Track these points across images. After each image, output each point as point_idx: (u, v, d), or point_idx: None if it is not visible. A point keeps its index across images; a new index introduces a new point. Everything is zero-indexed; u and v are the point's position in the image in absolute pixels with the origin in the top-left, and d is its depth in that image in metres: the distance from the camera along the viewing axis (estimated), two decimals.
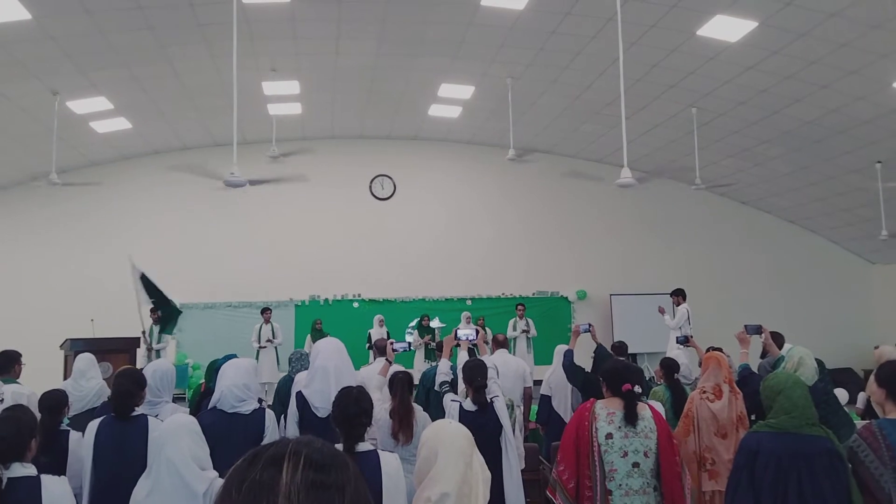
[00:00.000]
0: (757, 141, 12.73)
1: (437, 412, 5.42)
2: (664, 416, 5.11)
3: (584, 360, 6.08)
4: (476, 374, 4.36)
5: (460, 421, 4.07)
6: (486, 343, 6.88)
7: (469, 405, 4.32)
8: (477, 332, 5.72)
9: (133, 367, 6.51)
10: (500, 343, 7.37)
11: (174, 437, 2.97)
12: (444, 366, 5.06)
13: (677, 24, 9.15)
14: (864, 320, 15.56)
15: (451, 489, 2.09)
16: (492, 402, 4.37)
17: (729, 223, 16.00)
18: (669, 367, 5.98)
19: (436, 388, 5.06)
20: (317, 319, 12.84)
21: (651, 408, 3.60)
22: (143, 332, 10.03)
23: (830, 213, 15.01)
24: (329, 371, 4.19)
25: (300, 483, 0.93)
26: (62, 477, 3.08)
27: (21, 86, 10.17)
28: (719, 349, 5.67)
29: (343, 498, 0.95)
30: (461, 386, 4.67)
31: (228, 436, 3.70)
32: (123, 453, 3.64)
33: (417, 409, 4.69)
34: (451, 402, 4.43)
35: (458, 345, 5.41)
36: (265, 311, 12.56)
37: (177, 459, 2.90)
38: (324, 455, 0.98)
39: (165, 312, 10.00)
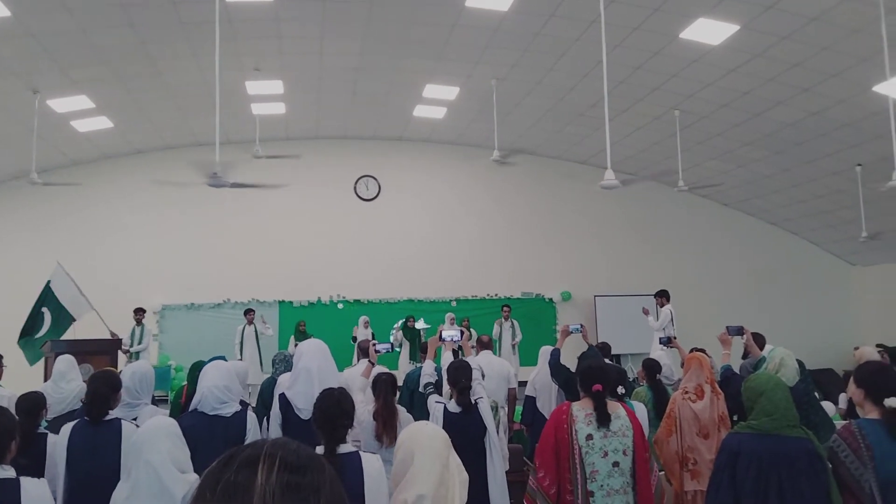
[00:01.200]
0: (739, 143, 12.84)
1: (421, 413, 5.40)
2: (646, 417, 5.16)
3: (570, 360, 6.09)
4: (460, 376, 4.35)
5: (444, 422, 4.05)
6: (471, 344, 6.88)
7: (453, 406, 4.32)
8: (462, 332, 5.70)
9: (109, 369, 6.44)
10: (485, 344, 7.37)
11: (154, 439, 2.94)
12: (428, 367, 5.03)
13: (660, 27, 9.20)
14: (844, 321, 15.73)
15: (428, 491, 2.08)
16: (476, 403, 4.36)
17: (711, 225, 16.12)
18: (651, 367, 6.02)
19: (420, 389, 5.04)
20: (300, 321, 12.78)
21: (624, 406, 3.62)
22: (113, 334, 9.97)
23: (811, 215, 15.16)
24: (312, 372, 4.18)
25: (275, 484, 0.92)
26: (41, 479, 3.05)
27: (0, 84, 10.05)
28: (702, 350, 5.71)
29: (318, 500, 0.94)
30: (445, 387, 4.66)
31: (209, 438, 3.67)
32: (96, 457, 3.62)
33: (401, 410, 4.68)
34: (435, 404, 4.42)
35: (442, 345, 5.40)
36: (248, 312, 12.49)
37: (156, 462, 2.87)
38: (299, 457, 0.98)
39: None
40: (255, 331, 12.29)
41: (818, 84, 10.06)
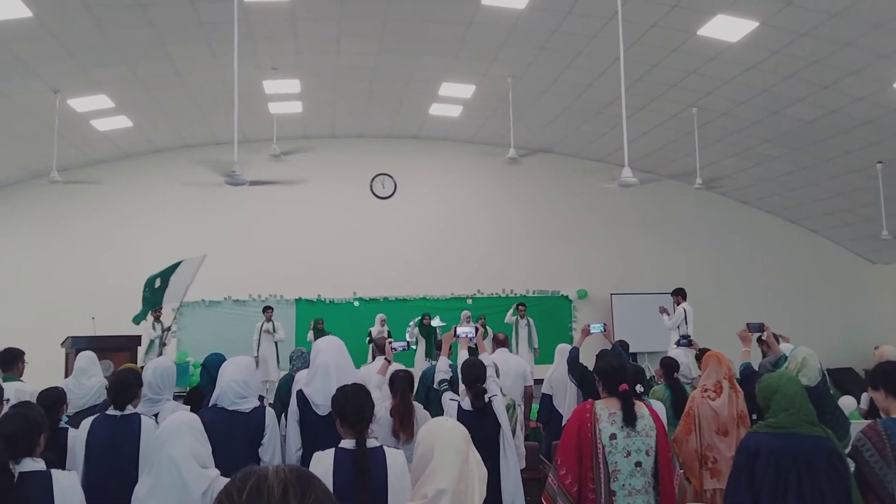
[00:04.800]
0: (758, 141, 12.73)
1: (437, 411, 5.39)
2: (665, 415, 5.14)
3: (588, 360, 6.07)
4: (474, 374, 4.36)
5: (459, 420, 4.05)
6: (485, 336, 6.87)
7: (467, 404, 4.32)
8: (476, 329, 5.68)
9: (131, 365, 6.54)
10: (501, 342, 7.37)
11: (176, 434, 2.97)
12: (442, 364, 5.03)
13: (678, 24, 9.14)
14: (864, 320, 15.54)
15: (448, 486, 2.09)
16: (490, 401, 4.35)
17: (730, 223, 15.98)
18: (669, 366, 6.00)
19: (434, 385, 5.02)
20: (318, 319, 12.82)
21: (648, 406, 3.59)
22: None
23: (831, 212, 15.01)
24: (330, 369, 4.19)
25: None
26: (72, 472, 3.11)
27: (22, 84, 10.17)
28: (707, 350, 5.67)
29: None
30: (460, 384, 4.66)
31: (229, 434, 3.70)
32: (115, 452, 3.67)
33: (418, 407, 4.69)
34: (449, 402, 4.41)
35: (457, 340, 5.38)
36: (266, 309, 12.56)
37: (178, 457, 2.90)
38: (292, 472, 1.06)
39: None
40: (273, 327, 12.35)
41: (838, 81, 9.95)
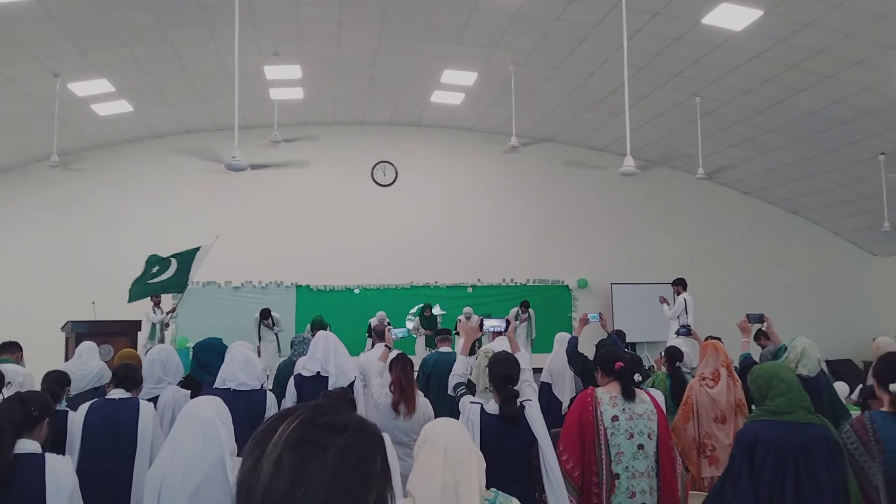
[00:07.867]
0: (761, 131, 12.69)
1: (437, 399, 5.41)
2: (664, 404, 5.14)
3: (587, 349, 6.08)
4: (505, 372, 3.64)
5: (483, 426, 3.53)
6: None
7: (493, 408, 3.60)
8: (508, 322, 4.68)
9: (134, 350, 6.58)
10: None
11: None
12: (460, 365, 4.19)
13: (682, 12, 9.09)
14: (864, 312, 15.55)
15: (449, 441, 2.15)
16: (522, 406, 3.61)
17: (731, 213, 15.97)
18: (673, 355, 6.01)
19: (449, 392, 4.22)
20: (322, 320, 12.54)
21: (648, 393, 3.61)
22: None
23: (833, 204, 14.99)
24: (329, 341, 4.29)
25: (288, 437, 1.02)
26: (66, 456, 3.11)
27: (22, 67, 10.13)
28: (717, 338, 5.69)
29: (324, 459, 1.01)
30: (475, 385, 4.55)
31: (231, 413, 3.73)
32: (112, 434, 3.70)
33: (417, 393, 4.69)
34: (470, 405, 3.69)
35: (482, 335, 5.16)
36: (265, 315, 12.34)
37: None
38: (322, 416, 1.07)
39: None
40: (272, 322, 12.28)
41: (842, 71, 9.91)
